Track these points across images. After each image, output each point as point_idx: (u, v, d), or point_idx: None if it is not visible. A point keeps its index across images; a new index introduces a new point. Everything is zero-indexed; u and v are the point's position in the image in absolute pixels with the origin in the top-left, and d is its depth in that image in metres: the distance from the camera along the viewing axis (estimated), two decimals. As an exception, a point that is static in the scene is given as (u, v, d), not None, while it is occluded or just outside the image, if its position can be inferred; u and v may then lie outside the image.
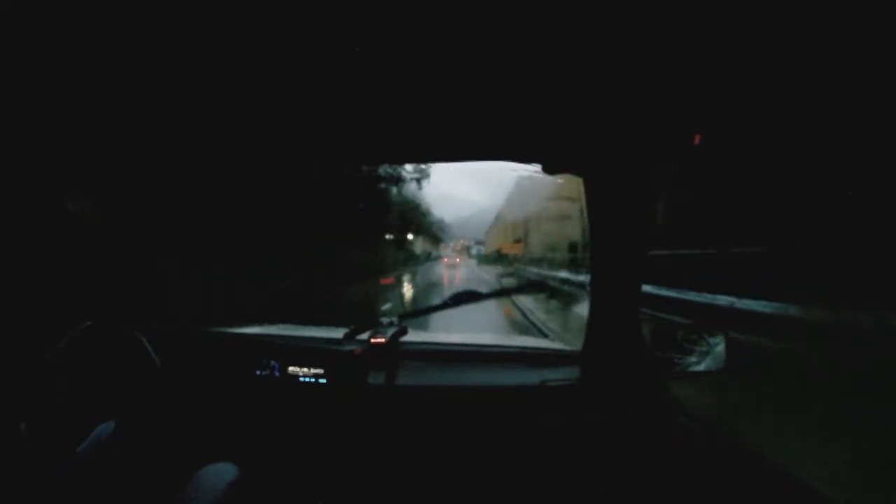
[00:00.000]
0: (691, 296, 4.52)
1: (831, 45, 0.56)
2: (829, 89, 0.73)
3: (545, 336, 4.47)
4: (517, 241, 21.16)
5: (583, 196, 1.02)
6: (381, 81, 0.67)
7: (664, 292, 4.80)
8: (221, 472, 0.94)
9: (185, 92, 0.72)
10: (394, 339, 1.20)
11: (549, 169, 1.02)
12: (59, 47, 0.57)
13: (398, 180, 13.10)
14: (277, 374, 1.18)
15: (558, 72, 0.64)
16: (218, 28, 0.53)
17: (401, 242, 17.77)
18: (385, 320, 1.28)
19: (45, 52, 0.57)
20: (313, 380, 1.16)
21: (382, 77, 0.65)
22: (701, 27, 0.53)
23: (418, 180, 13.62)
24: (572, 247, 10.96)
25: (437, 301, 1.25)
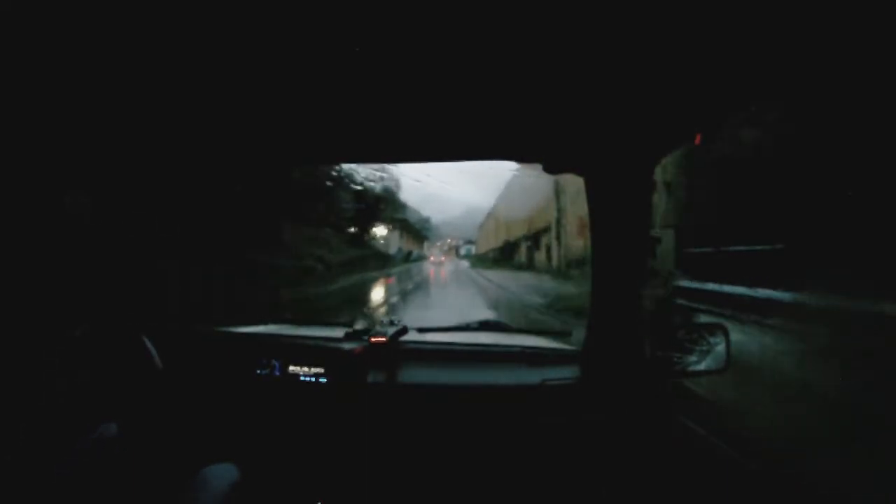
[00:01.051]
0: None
1: (831, 43, 0.56)
2: (828, 87, 0.73)
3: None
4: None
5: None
6: (380, 80, 0.66)
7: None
8: (223, 473, 0.94)
9: (179, 91, 0.72)
10: (394, 338, 1.20)
11: (549, 168, 1.01)
12: (57, 48, 0.57)
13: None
14: (278, 373, 1.18)
15: (559, 71, 0.64)
16: (217, 29, 0.53)
17: (358, 238, 13.62)
18: (385, 319, 1.28)
19: (45, 52, 0.57)
20: (314, 379, 1.16)
21: (382, 76, 0.65)
22: (702, 25, 0.53)
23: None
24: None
25: None
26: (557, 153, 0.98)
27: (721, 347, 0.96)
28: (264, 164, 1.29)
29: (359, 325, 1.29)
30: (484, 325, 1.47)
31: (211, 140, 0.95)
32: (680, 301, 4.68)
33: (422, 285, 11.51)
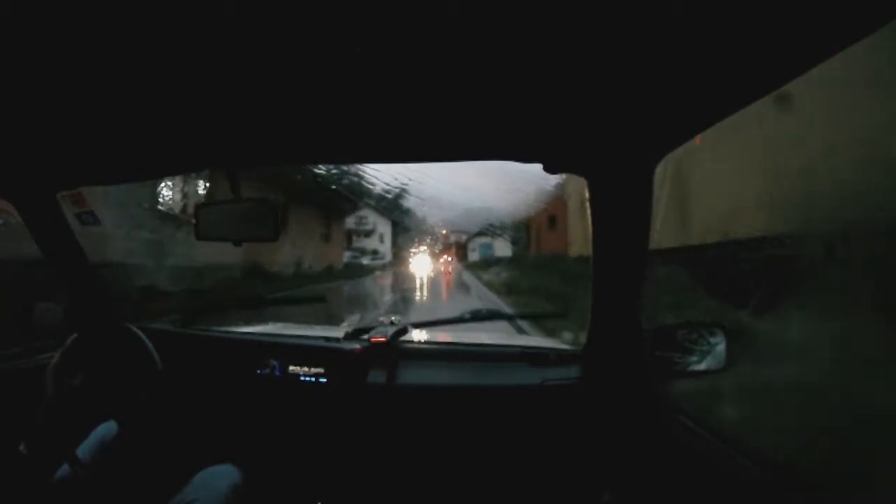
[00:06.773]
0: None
1: (830, 44, 0.55)
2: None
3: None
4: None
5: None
6: (373, 77, 0.65)
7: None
8: (222, 474, 0.94)
9: (163, 86, 0.69)
10: (394, 337, 1.20)
11: (550, 168, 1.01)
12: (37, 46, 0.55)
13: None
14: (278, 373, 1.18)
15: (560, 68, 0.63)
16: (207, 25, 0.52)
17: None
18: (385, 319, 1.28)
19: (33, 51, 0.56)
20: (314, 379, 1.16)
21: (376, 73, 0.64)
22: (705, 24, 0.53)
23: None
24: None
25: None
26: (558, 153, 0.97)
27: (721, 347, 0.96)
28: (251, 164, 1.24)
29: (359, 325, 1.29)
30: (476, 315, 1.35)
31: (197, 138, 0.91)
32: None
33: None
